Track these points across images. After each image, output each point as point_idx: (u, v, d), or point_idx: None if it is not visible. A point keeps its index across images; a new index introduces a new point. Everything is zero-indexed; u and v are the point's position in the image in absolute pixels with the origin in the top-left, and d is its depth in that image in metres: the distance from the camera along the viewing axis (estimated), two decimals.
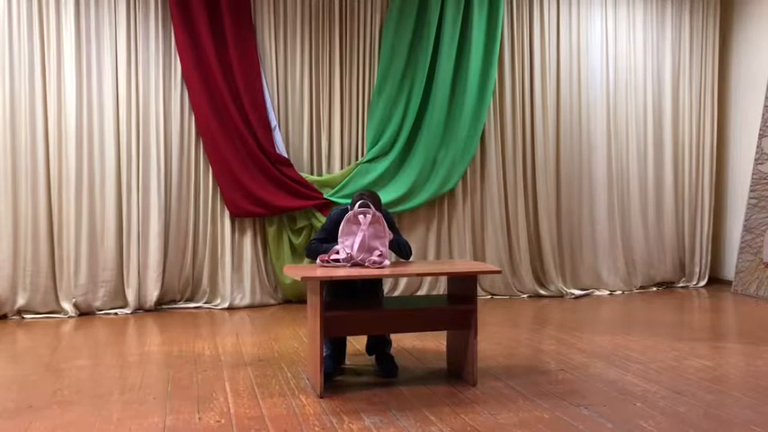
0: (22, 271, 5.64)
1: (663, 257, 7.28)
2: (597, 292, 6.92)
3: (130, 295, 5.88)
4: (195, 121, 6.03)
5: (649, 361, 4.27)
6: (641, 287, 7.16)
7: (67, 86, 5.70)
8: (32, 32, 5.64)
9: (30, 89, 5.63)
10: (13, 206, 5.61)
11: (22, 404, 3.43)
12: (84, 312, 5.76)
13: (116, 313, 5.83)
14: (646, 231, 7.21)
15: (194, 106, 5.99)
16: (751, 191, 6.95)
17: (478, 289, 5.29)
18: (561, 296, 6.73)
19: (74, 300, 5.73)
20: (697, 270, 7.37)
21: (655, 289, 7.21)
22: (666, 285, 7.32)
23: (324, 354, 3.91)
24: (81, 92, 5.75)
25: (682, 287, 7.32)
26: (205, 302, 6.14)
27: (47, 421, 3.18)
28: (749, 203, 6.96)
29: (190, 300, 6.16)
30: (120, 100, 5.85)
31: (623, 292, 7.00)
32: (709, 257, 7.42)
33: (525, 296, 6.71)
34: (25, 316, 5.64)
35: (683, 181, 7.34)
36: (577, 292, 6.81)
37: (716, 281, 7.43)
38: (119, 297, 5.90)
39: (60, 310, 5.72)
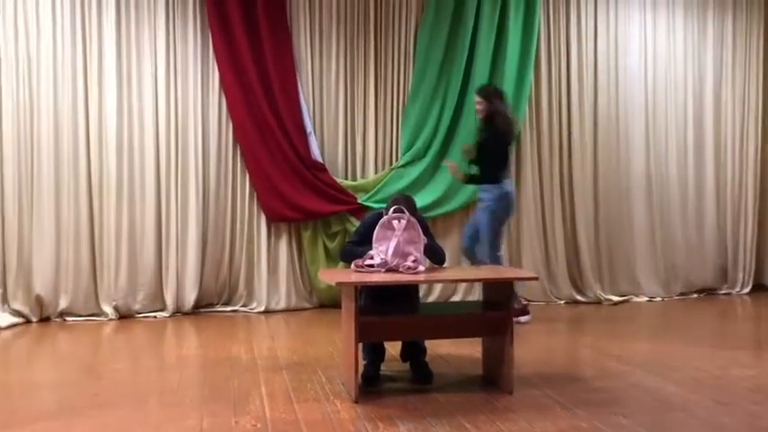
0: (64, 274, 5.75)
1: (704, 263, 7.11)
2: (636, 299, 6.78)
3: (169, 299, 5.96)
4: (232, 127, 6.10)
5: (690, 370, 4.17)
6: (681, 294, 7.00)
7: (108, 94, 5.81)
8: (75, 41, 5.76)
9: (72, 96, 5.75)
10: (56, 211, 5.73)
11: (64, 406, 3.50)
12: (124, 315, 5.86)
13: (155, 316, 5.92)
14: (686, 236, 7.05)
15: (231, 113, 6.06)
16: None
17: None
18: (599, 302, 6.61)
19: (114, 303, 5.83)
20: (740, 276, 7.18)
21: (695, 296, 7.05)
22: (707, 292, 7.14)
23: (365, 361, 3.91)
24: (121, 99, 5.86)
25: (724, 294, 7.13)
26: (242, 306, 6.20)
27: (87, 423, 3.24)
28: None
29: (227, 303, 6.22)
30: (160, 107, 5.94)
31: (663, 298, 6.85)
32: (754, 263, 7.22)
33: (562, 302, 6.62)
34: (67, 318, 5.76)
35: (726, 184, 7.16)
36: (615, 299, 6.69)
37: (761, 287, 7.22)
38: (157, 300, 5.99)
39: (101, 313, 5.82)
